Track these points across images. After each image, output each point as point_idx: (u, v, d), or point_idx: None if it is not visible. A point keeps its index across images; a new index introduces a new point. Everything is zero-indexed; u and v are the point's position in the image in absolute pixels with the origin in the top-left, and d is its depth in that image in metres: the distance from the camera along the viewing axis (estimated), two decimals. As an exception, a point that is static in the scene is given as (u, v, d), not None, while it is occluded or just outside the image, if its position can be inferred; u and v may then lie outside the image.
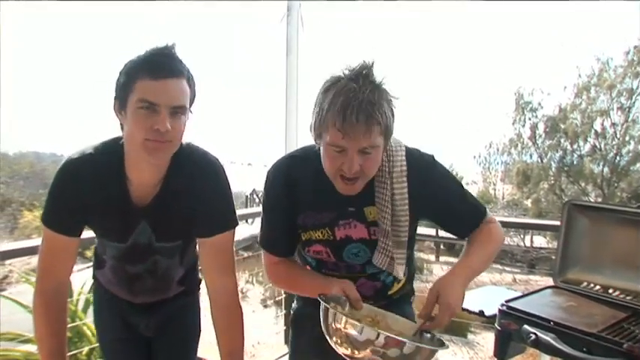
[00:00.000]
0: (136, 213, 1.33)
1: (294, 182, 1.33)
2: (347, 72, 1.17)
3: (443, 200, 1.35)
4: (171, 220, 1.36)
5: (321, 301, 1.14)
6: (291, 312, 1.57)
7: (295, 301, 1.57)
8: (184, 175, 1.31)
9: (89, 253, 1.70)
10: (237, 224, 1.40)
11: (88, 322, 2.94)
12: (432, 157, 1.37)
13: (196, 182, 1.32)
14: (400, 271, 1.35)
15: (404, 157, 1.31)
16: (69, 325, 2.79)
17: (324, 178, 1.25)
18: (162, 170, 1.30)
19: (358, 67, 1.16)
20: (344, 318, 1.08)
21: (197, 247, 1.53)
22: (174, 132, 1.19)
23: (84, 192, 1.28)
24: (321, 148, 1.22)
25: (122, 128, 1.26)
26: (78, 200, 1.28)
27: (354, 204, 1.32)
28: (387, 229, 1.30)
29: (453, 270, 1.27)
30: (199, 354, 1.71)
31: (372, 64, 1.17)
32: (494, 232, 1.39)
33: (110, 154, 1.29)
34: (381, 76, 1.17)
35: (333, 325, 1.10)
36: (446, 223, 1.43)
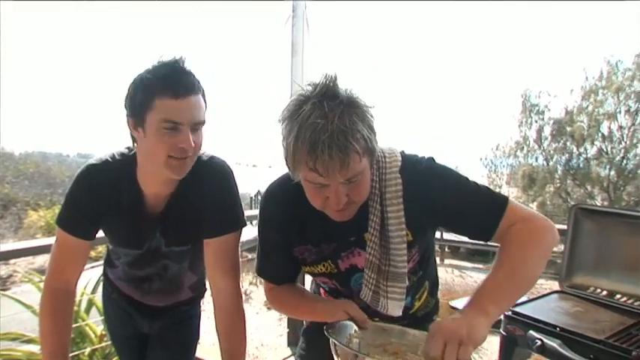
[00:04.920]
0: (149, 221, 1.36)
1: (288, 213, 1.21)
2: (309, 90, 1.00)
3: (448, 207, 1.12)
4: (181, 224, 1.37)
5: (332, 340, 1.00)
6: (304, 322, 1.52)
7: None
8: (193, 180, 1.32)
9: (94, 253, 1.70)
10: (244, 225, 1.39)
11: (90, 322, 2.94)
12: (430, 160, 1.17)
13: (204, 185, 1.33)
14: (392, 308, 1.17)
15: (398, 175, 1.13)
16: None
17: (318, 209, 1.11)
18: (175, 182, 1.32)
19: (320, 86, 0.99)
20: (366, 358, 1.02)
21: None
22: (195, 147, 1.22)
23: (100, 198, 1.30)
24: (301, 182, 1.07)
25: (133, 141, 1.26)
26: (93, 206, 1.31)
27: (353, 232, 1.18)
28: (373, 259, 1.16)
29: (466, 309, 0.98)
30: (202, 356, 1.71)
31: (335, 77, 1.00)
32: (524, 237, 1.07)
33: (125, 164, 1.31)
34: (347, 87, 1.01)
35: None
36: (461, 230, 1.19)
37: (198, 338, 1.69)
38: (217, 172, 1.36)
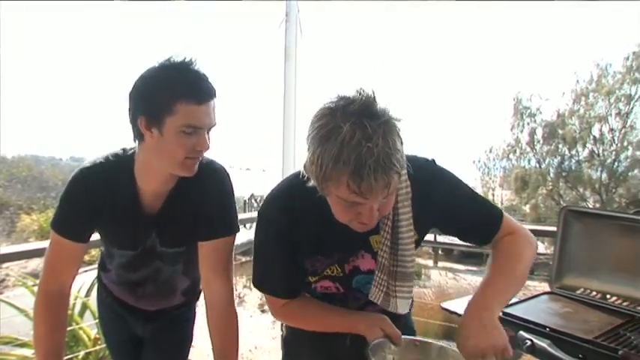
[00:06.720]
0: (146, 220, 1.36)
1: (294, 221, 1.16)
2: (342, 105, 0.94)
3: (450, 209, 1.17)
4: (177, 225, 1.38)
5: None
6: (283, 329, 1.45)
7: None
8: (193, 181, 1.33)
9: (87, 257, 1.71)
10: (238, 230, 1.41)
11: (84, 326, 2.94)
12: (432, 163, 1.21)
13: (204, 187, 1.34)
14: (402, 307, 1.19)
15: (407, 177, 1.12)
16: (65, 329, 2.80)
17: (327, 217, 1.08)
18: (174, 179, 1.33)
19: (360, 103, 0.94)
20: None
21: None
22: (208, 147, 1.26)
23: (95, 201, 1.30)
24: (327, 198, 1.04)
25: (139, 138, 1.25)
26: (89, 209, 1.31)
27: (361, 236, 1.16)
28: (384, 261, 1.17)
29: (474, 312, 1.05)
30: (194, 359, 1.71)
31: (374, 95, 0.95)
32: (516, 245, 1.18)
33: (121, 164, 1.32)
34: (383, 103, 0.96)
35: None
36: (459, 232, 1.24)
37: (191, 341, 1.70)
38: (217, 176, 1.38)
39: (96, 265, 1.66)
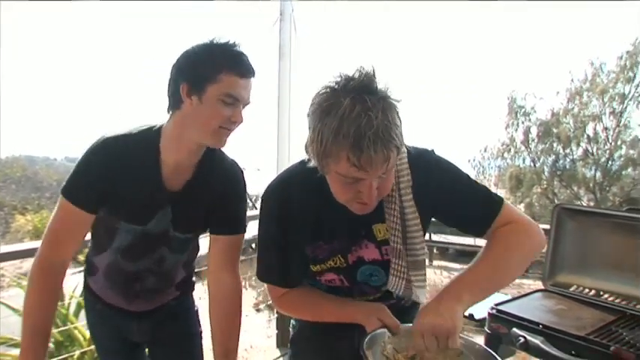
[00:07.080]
0: (164, 197, 1.35)
1: (294, 210, 1.18)
2: (343, 83, 0.97)
3: (449, 196, 1.17)
4: (194, 209, 1.40)
5: None
6: (291, 329, 1.48)
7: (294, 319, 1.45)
8: (217, 171, 1.39)
9: (82, 257, 1.69)
10: (245, 231, 1.47)
11: (79, 325, 2.93)
12: (432, 152, 1.22)
13: (224, 179, 1.40)
14: (421, 295, 1.20)
15: (407, 165, 1.15)
16: (60, 329, 2.79)
17: (328, 202, 1.09)
18: (198, 155, 1.36)
19: (359, 80, 0.97)
20: None
21: (197, 253, 1.59)
22: (241, 122, 1.31)
23: (115, 170, 1.29)
24: (327, 176, 1.06)
25: (175, 105, 1.28)
26: (107, 177, 1.29)
27: (363, 225, 1.19)
28: (399, 247, 1.17)
29: (439, 296, 1.06)
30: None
31: (374, 72, 0.98)
32: (511, 234, 1.14)
33: (145, 137, 1.33)
34: (383, 82, 0.99)
35: None
36: (457, 221, 1.23)
37: (201, 332, 1.66)
38: (238, 174, 1.45)
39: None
